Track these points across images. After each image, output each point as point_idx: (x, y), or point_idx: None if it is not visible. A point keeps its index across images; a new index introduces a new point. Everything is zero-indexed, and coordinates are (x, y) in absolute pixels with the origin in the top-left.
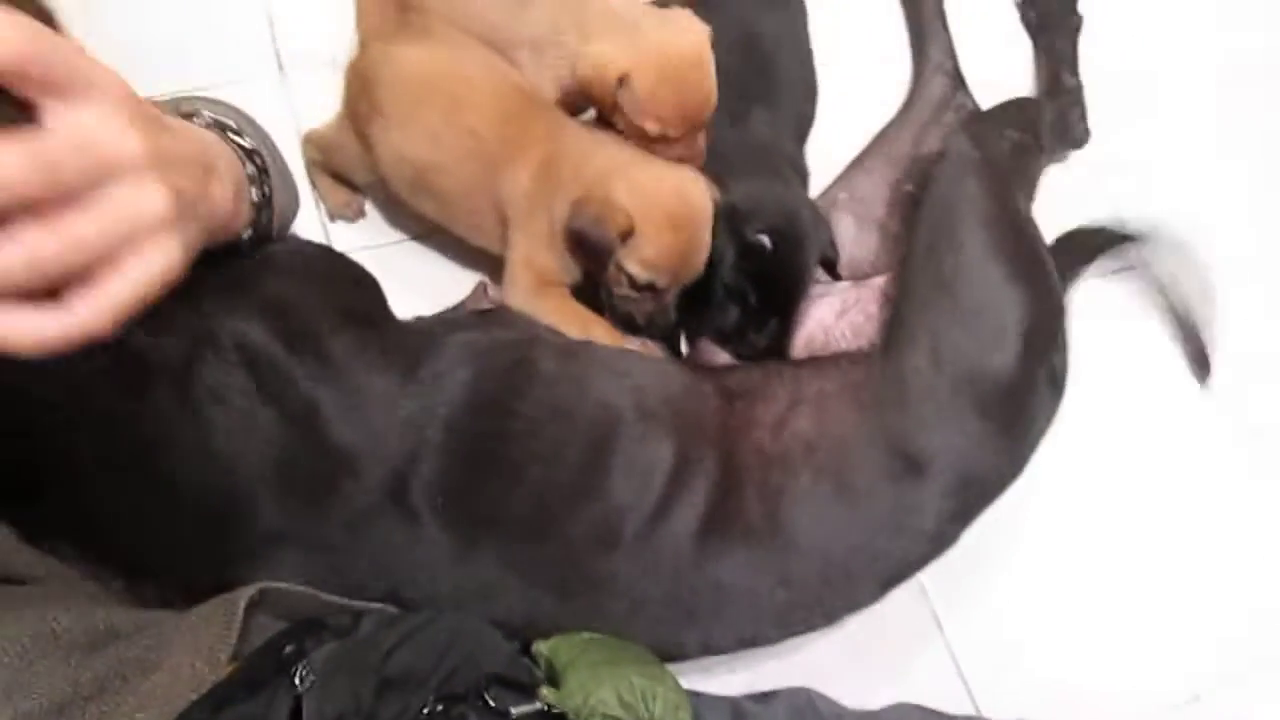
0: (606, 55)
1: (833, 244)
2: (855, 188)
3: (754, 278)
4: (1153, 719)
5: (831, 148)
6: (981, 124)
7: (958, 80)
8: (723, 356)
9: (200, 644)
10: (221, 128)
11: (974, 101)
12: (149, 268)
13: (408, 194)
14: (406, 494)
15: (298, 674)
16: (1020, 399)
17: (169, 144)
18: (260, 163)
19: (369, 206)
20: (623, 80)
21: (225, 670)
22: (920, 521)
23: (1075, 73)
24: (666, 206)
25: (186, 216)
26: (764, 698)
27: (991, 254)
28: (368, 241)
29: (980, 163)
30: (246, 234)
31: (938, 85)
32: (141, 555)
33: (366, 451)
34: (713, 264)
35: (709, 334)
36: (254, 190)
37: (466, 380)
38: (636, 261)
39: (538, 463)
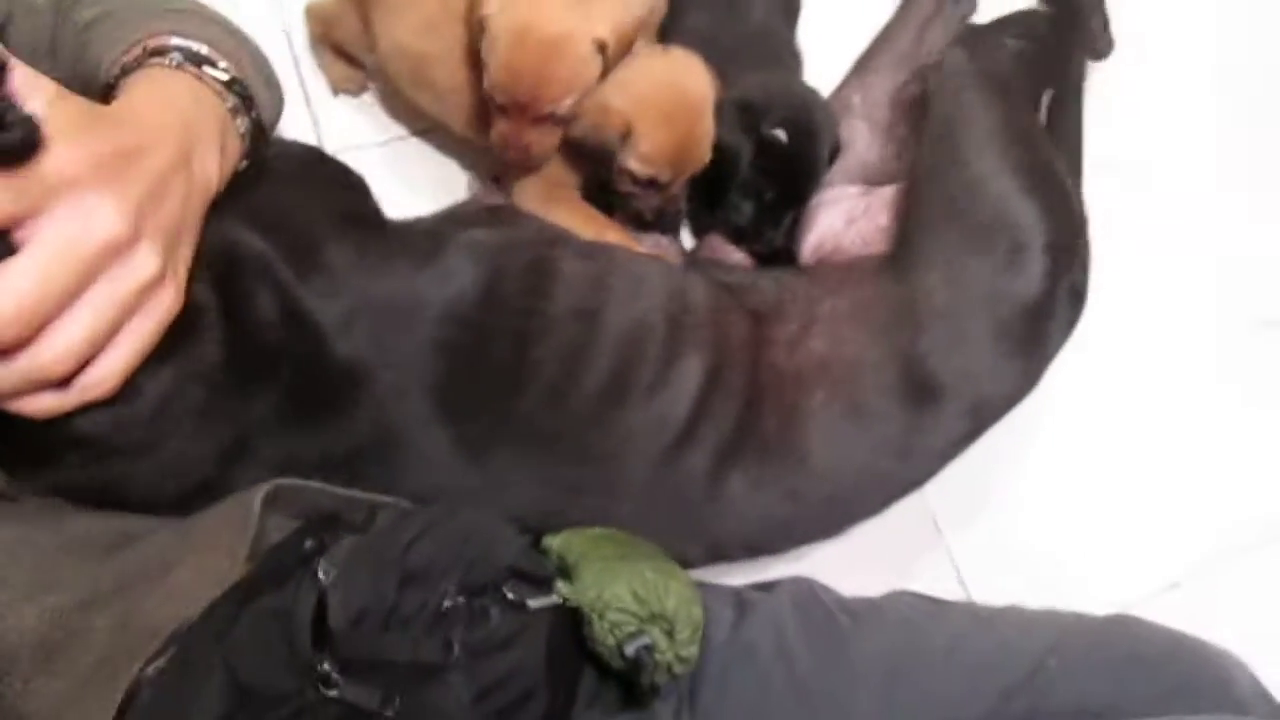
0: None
1: (838, 133)
2: (866, 90)
3: (770, 172)
4: (1135, 605)
5: (832, 45)
6: (977, 34)
7: None
8: (734, 255)
9: (219, 541)
10: (196, 61)
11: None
12: (145, 327)
13: (406, 86)
14: (417, 399)
15: (320, 568)
16: (1040, 320)
17: (143, 183)
18: (242, 89)
19: (365, 100)
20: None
21: (244, 567)
22: (929, 443)
23: None
24: (659, 101)
25: (183, 236)
26: (766, 588)
27: (1000, 168)
28: (363, 140)
29: (978, 74)
30: (243, 165)
31: None
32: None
33: (373, 360)
34: (723, 158)
35: (723, 231)
36: (241, 120)
37: (479, 277)
38: (636, 159)
39: (556, 363)
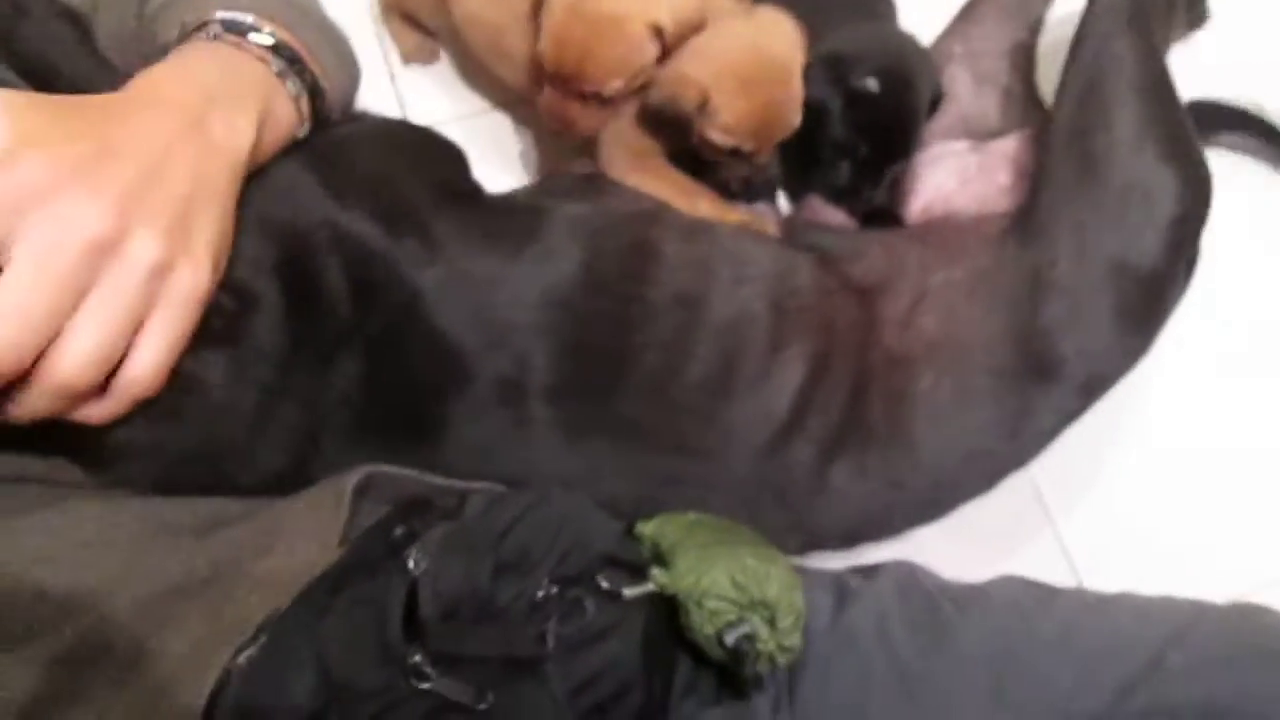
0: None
1: (940, 82)
2: (969, 39)
3: (864, 127)
4: (1261, 589)
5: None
6: None
7: None
8: (835, 217)
9: (310, 528)
10: (238, 30)
11: None
12: (170, 315)
13: (485, 57)
14: (516, 381)
15: (411, 557)
16: (1159, 294)
17: (127, 171)
18: (290, 53)
19: (449, 74)
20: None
21: (336, 554)
22: (1039, 424)
23: None
24: (737, 69)
25: (199, 210)
26: (867, 572)
27: (1145, 130)
28: (448, 113)
29: (1131, 18)
30: (303, 129)
31: None
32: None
33: (474, 340)
34: (814, 117)
35: (821, 192)
36: (292, 84)
37: (580, 259)
38: (717, 129)
39: (658, 353)
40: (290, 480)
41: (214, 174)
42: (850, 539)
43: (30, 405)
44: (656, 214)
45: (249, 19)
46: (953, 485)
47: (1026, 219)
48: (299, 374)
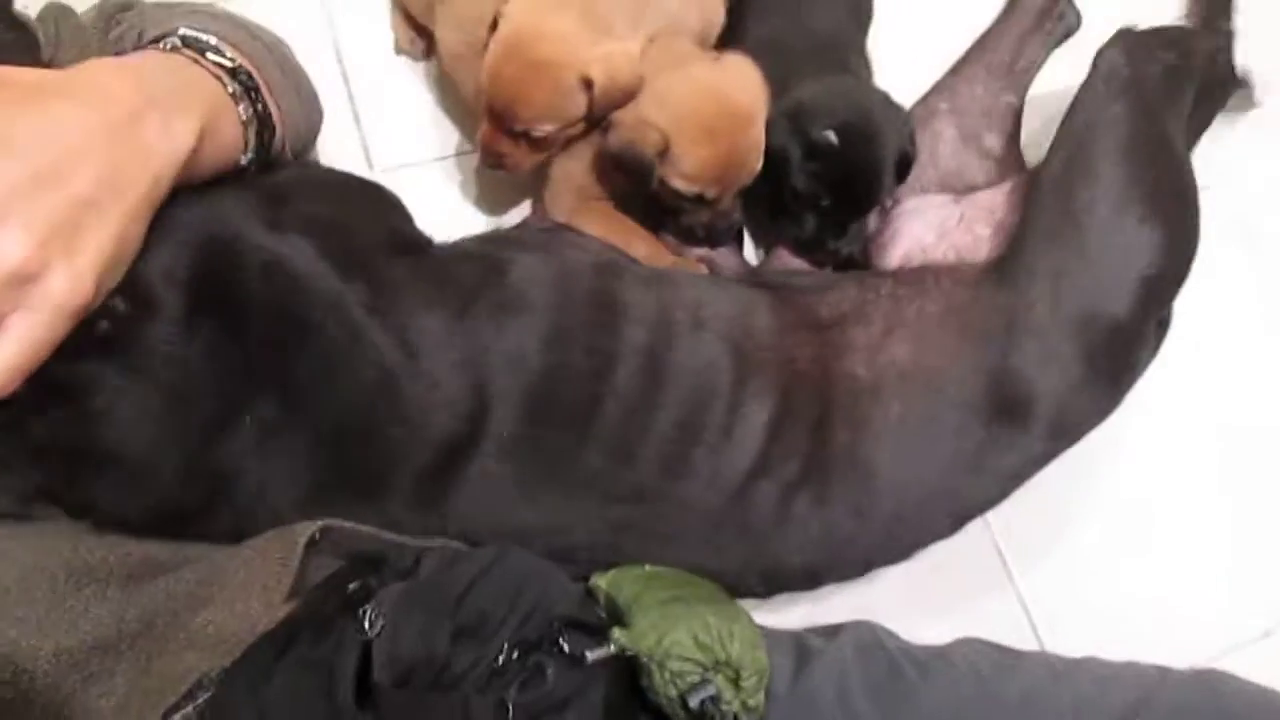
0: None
1: (912, 140)
2: (955, 97)
3: (825, 179)
4: (1224, 656)
5: (921, 52)
6: (1136, 39)
7: None
8: (805, 268)
9: (255, 580)
10: (198, 48)
11: (1077, 12)
12: (28, 321)
13: (455, 76)
14: (473, 441)
15: (366, 617)
16: (1130, 348)
17: (13, 170)
18: (247, 80)
19: (410, 120)
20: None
21: (281, 610)
22: (1004, 463)
23: (1229, 16)
24: (699, 115)
25: (94, 216)
26: (828, 632)
27: (1129, 190)
28: (410, 157)
29: (1129, 82)
30: (245, 158)
31: None
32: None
33: (423, 386)
34: (777, 166)
35: (787, 243)
36: (243, 108)
37: (539, 311)
38: (678, 176)
39: (623, 412)
40: (194, 515)
41: (132, 176)
42: (813, 575)
43: None
44: (615, 264)
45: (212, 39)
46: (914, 519)
47: (1006, 262)
48: (203, 398)
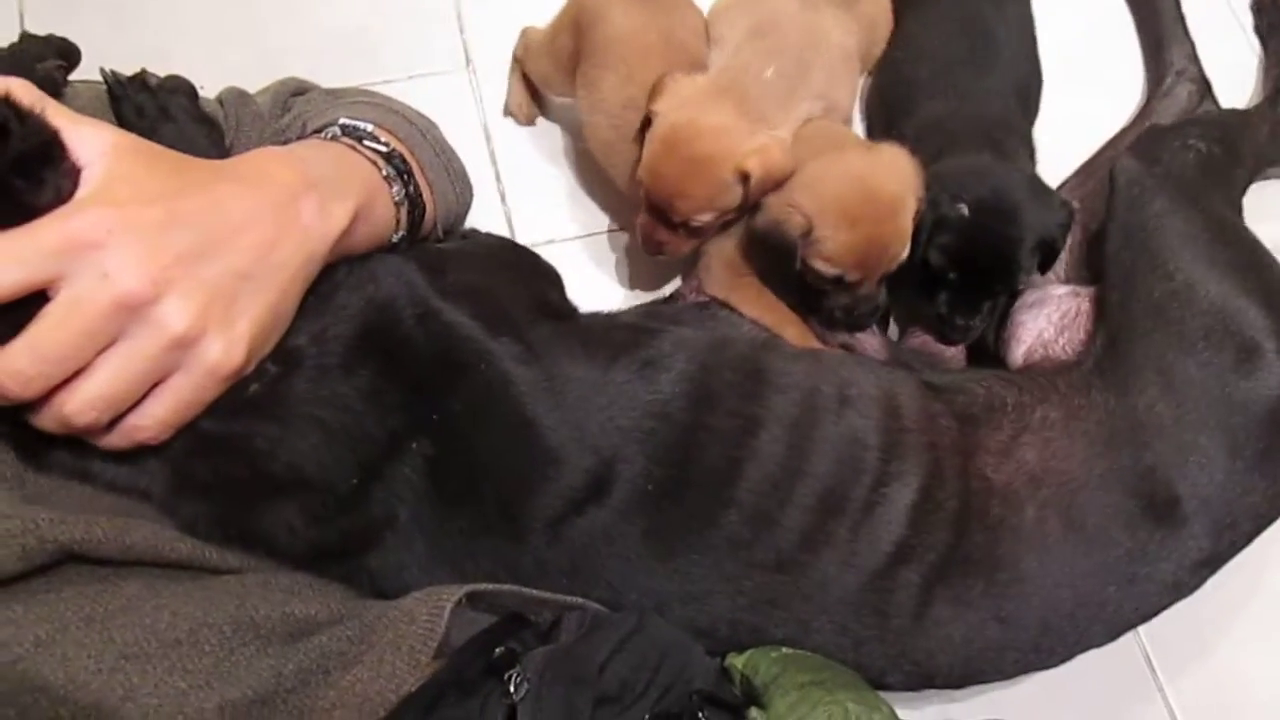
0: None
1: (1062, 229)
2: (1085, 192)
3: (954, 253)
4: None
5: (1061, 152)
6: (1153, 139)
7: (1204, 87)
8: (944, 349)
9: (402, 641)
10: (356, 136)
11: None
12: (184, 383)
13: (599, 153)
14: (608, 491)
15: (511, 681)
16: (1276, 426)
17: (184, 241)
18: (400, 164)
19: (554, 198)
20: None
21: (427, 670)
22: (1159, 570)
23: None
24: (843, 201)
25: (250, 289)
26: None
27: (1209, 272)
28: (553, 234)
29: (1161, 180)
30: (397, 236)
31: (1183, 92)
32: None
33: (567, 444)
34: (916, 239)
35: (920, 320)
36: (396, 189)
37: (686, 374)
38: (819, 258)
39: (767, 478)
40: (360, 547)
41: (288, 253)
42: (961, 677)
43: (39, 422)
44: (765, 339)
45: (369, 126)
46: (1063, 628)
47: (1109, 365)
48: (366, 431)
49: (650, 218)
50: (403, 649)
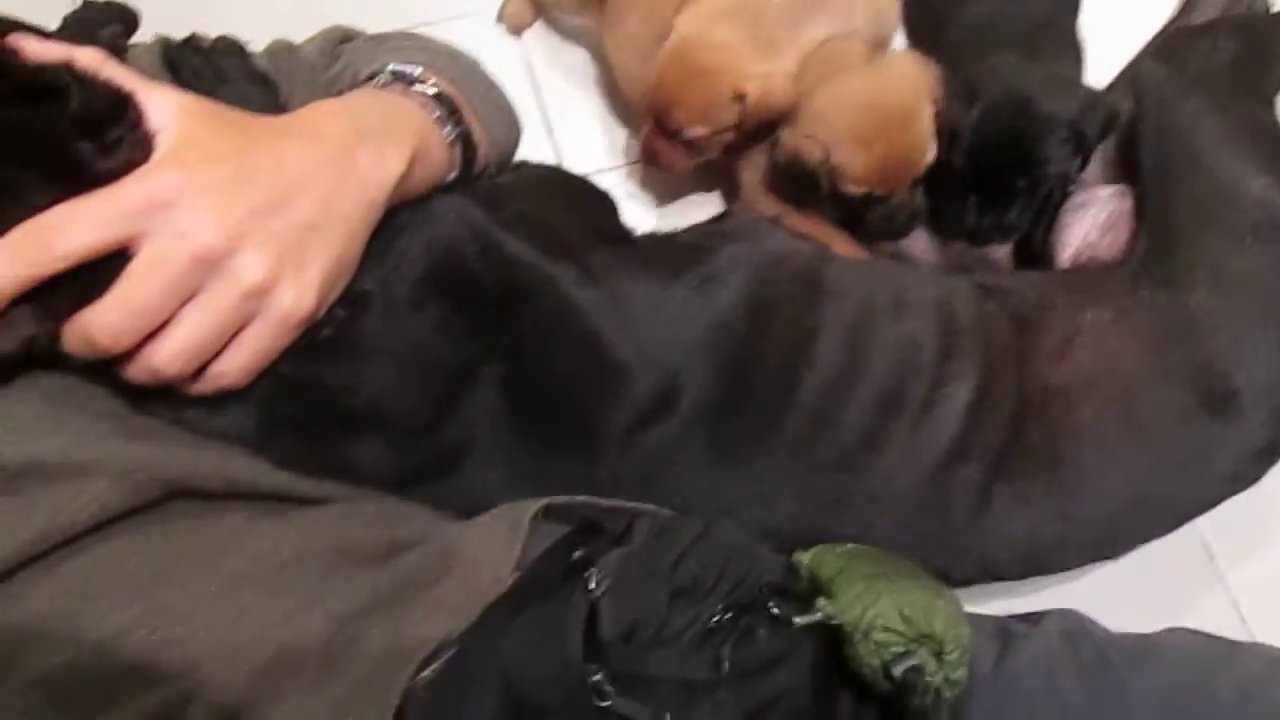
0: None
1: (1099, 122)
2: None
3: (972, 154)
4: None
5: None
6: (1178, 41)
7: None
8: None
9: (486, 555)
10: (406, 80)
11: (1266, 2)
12: (261, 330)
13: (625, 84)
14: (676, 402)
15: (591, 579)
16: None
17: (254, 195)
18: (450, 104)
19: (600, 127)
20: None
21: (509, 580)
22: (1219, 462)
23: None
24: (854, 124)
25: (318, 238)
26: (1031, 619)
27: (1250, 167)
28: (600, 164)
29: (1188, 83)
30: (452, 175)
31: None
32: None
33: (633, 358)
34: (944, 148)
35: (956, 232)
36: (449, 130)
37: (744, 286)
38: (845, 181)
39: (827, 381)
40: (444, 471)
41: (349, 203)
42: (1024, 569)
43: (131, 375)
44: (820, 251)
45: (416, 71)
46: (1126, 524)
47: (1156, 264)
48: (439, 360)
49: (652, 127)
50: (486, 564)
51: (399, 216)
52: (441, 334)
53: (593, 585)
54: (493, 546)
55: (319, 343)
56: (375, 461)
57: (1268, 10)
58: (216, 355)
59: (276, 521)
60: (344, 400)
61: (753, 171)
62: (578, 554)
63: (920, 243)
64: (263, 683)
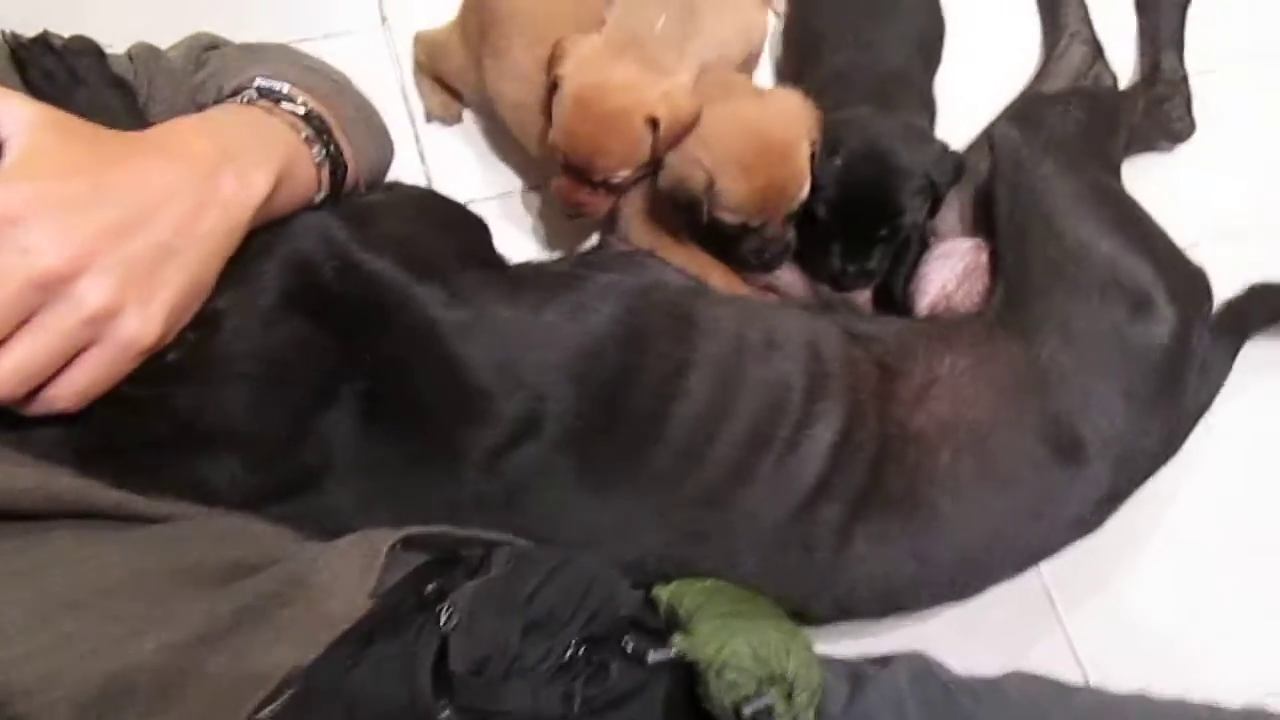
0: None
1: (947, 172)
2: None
3: (835, 204)
4: (1272, 695)
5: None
6: (1031, 106)
7: (1096, 49)
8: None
9: (338, 581)
10: (274, 98)
11: (1112, 74)
12: (101, 356)
13: (513, 130)
14: (541, 427)
15: (443, 613)
16: (1175, 371)
17: (104, 217)
18: (319, 123)
19: (474, 155)
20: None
21: (361, 610)
22: (1065, 508)
23: (1180, 60)
24: (738, 152)
25: (171, 262)
26: (880, 661)
27: (1098, 230)
28: (474, 193)
29: (1041, 146)
30: (320, 196)
31: (1076, 54)
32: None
33: (495, 381)
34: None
35: (813, 268)
36: (317, 150)
37: (616, 317)
38: (723, 209)
39: (695, 418)
40: (302, 488)
41: (209, 225)
42: (882, 608)
43: None
44: (693, 285)
45: (285, 88)
46: (977, 563)
47: (1011, 316)
48: (297, 378)
49: (568, 179)
50: (338, 593)
51: (260, 236)
52: (297, 352)
53: (444, 619)
54: (346, 574)
55: (165, 365)
56: (229, 480)
57: (1115, 83)
58: (52, 378)
59: (105, 541)
60: (187, 421)
61: (630, 203)
62: (431, 587)
63: (790, 274)
64: (89, 716)
